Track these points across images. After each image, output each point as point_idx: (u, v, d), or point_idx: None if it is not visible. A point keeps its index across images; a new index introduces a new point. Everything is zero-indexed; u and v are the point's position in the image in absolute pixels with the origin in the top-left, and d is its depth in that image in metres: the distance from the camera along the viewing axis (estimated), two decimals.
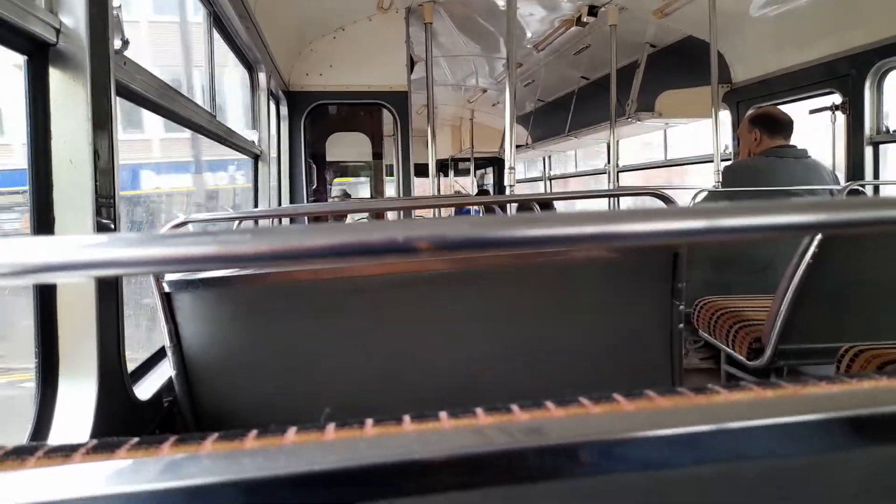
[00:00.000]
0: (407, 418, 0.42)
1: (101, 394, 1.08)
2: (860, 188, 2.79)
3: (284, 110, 4.02)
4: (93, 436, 1.05)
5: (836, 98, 3.12)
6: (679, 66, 4.30)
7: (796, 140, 2.92)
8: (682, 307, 1.33)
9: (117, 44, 1.21)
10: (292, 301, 1.22)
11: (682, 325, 1.34)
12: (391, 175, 4.71)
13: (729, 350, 2.19)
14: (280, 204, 3.57)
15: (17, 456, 0.40)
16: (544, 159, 7.90)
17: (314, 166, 4.60)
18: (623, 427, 0.40)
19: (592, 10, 4.02)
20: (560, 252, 1.21)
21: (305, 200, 4.11)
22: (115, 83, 1.16)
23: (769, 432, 0.40)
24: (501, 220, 0.36)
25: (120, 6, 1.23)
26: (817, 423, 0.40)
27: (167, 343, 1.22)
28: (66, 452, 0.40)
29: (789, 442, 0.40)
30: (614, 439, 0.40)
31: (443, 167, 9.42)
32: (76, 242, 0.32)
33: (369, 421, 0.42)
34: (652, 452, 0.40)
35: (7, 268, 0.31)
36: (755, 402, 0.42)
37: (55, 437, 1.05)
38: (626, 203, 5.58)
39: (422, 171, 4.44)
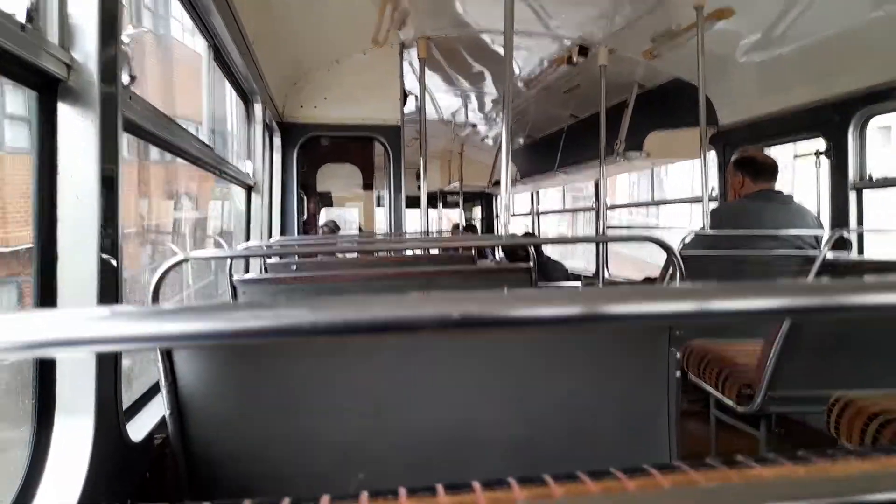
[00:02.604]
0: (440, 488, 0.42)
1: (98, 434, 1.06)
2: (844, 235, 2.83)
3: (278, 141, 4.03)
4: (88, 477, 1.02)
5: (821, 143, 3.18)
6: (667, 107, 4.38)
7: (781, 183, 2.97)
8: (678, 355, 1.33)
9: (125, 79, 1.21)
10: (291, 344, 1.20)
11: (678, 373, 1.34)
12: (380, 206, 4.71)
13: (718, 395, 2.19)
14: (270, 235, 3.56)
15: None
16: (532, 195, 7.96)
17: (305, 197, 4.60)
18: None
19: (583, 51, 4.09)
20: None
21: (296, 232, 4.10)
22: (122, 118, 1.15)
23: None
24: (517, 299, 0.35)
25: (129, 42, 1.23)
26: None
27: (162, 381, 1.20)
28: None
29: None
30: None
31: (432, 200, 9.46)
32: (77, 317, 0.32)
33: (403, 491, 0.42)
34: None
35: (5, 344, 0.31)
36: (789, 481, 0.42)
37: (50, 476, 1.03)
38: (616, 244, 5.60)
39: (412, 202, 4.47)
